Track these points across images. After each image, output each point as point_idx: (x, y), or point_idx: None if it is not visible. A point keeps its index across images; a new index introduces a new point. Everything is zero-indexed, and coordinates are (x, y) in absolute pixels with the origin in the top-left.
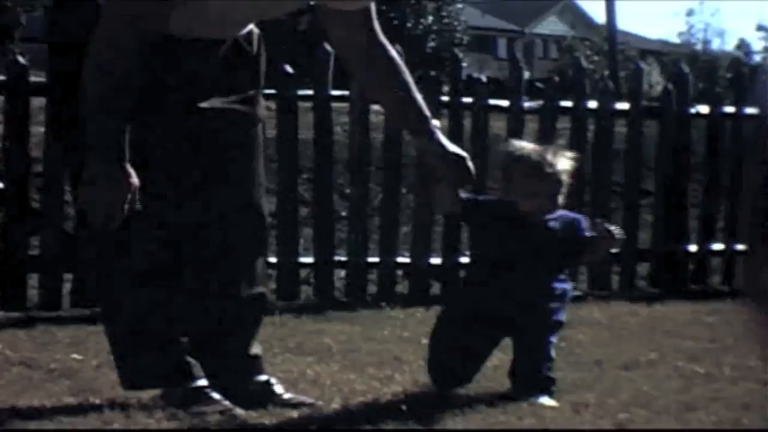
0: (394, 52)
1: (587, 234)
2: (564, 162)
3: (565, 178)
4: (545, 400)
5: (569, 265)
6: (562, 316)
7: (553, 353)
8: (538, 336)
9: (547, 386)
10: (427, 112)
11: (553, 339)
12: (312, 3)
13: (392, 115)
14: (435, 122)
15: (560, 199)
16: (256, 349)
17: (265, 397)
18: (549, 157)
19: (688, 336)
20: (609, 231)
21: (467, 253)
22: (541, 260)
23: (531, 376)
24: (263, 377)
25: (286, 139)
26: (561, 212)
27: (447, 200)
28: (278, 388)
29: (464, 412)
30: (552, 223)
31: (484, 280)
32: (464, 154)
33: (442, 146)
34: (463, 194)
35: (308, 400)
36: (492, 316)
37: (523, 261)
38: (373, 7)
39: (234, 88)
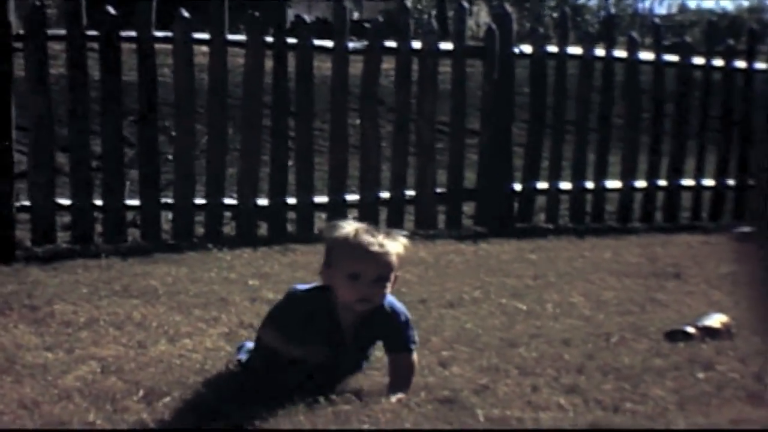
0: None
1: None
2: (394, 244)
3: (395, 260)
4: None
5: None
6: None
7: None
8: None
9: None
10: None
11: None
12: None
13: None
14: None
15: (389, 286)
16: None
17: None
18: (376, 237)
19: (512, 273)
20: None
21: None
22: (355, 355)
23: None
24: None
25: (110, 80)
26: (387, 299)
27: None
28: None
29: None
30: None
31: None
32: None
33: None
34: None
35: None
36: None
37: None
38: None
39: None
